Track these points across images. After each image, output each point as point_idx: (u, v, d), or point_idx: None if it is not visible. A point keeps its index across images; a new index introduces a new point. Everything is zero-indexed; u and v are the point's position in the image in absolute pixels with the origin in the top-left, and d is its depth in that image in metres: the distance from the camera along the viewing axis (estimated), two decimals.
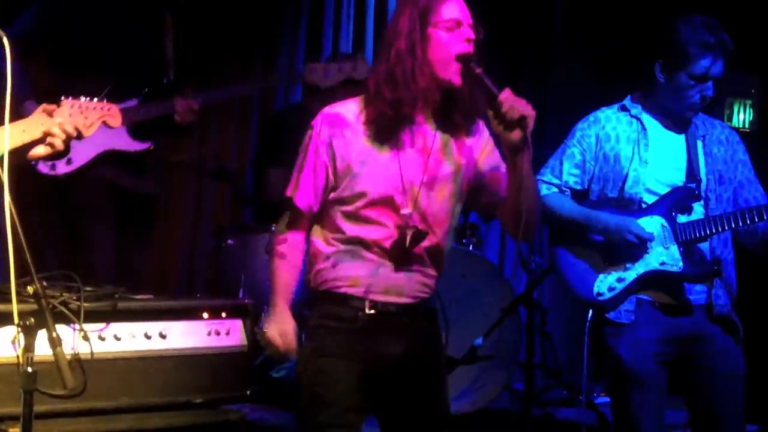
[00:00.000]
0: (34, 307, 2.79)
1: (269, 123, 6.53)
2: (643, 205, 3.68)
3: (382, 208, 3.03)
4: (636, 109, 3.77)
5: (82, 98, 3.07)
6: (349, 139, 3.05)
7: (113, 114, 3.18)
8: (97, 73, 4.41)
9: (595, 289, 3.68)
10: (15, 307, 2.69)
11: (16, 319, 2.72)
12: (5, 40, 2.75)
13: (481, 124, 3.16)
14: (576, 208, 3.76)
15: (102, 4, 4.67)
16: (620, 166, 3.71)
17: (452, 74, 2.99)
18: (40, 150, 3.01)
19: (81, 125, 3.06)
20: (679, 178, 3.70)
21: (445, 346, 5.63)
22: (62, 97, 3.08)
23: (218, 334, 3.82)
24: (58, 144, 2.96)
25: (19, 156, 2.98)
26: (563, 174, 3.79)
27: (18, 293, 2.67)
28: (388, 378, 3.08)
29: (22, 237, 2.68)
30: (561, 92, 6.74)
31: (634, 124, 3.76)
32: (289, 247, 3.14)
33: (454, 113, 3.08)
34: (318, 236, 3.12)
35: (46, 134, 2.99)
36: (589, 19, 6.68)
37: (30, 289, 2.77)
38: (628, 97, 3.83)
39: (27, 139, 2.97)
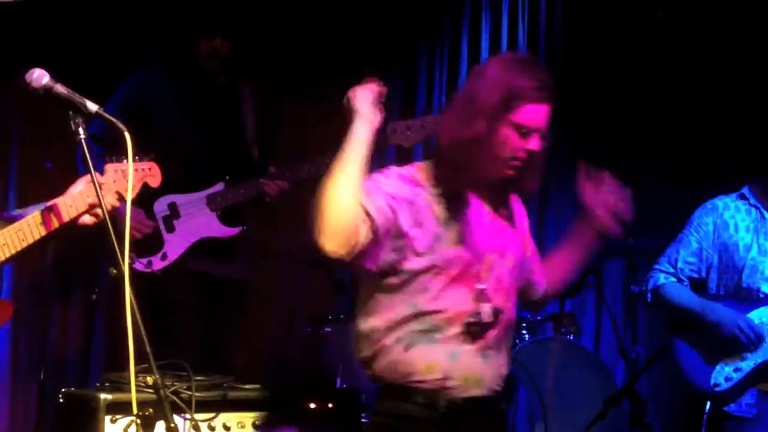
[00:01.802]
0: (153, 397, 2.81)
1: None
2: (761, 295, 3.62)
3: (458, 282, 2.71)
4: (754, 200, 3.75)
5: (125, 161, 2.90)
6: (424, 205, 2.73)
7: (154, 173, 3.21)
8: (182, 158, 4.39)
9: (712, 380, 3.61)
10: (134, 397, 2.70)
11: (135, 410, 2.73)
12: (127, 135, 2.78)
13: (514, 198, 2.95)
14: (692, 298, 3.72)
15: (177, 87, 4.64)
16: (739, 255, 3.68)
17: (504, 172, 2.74)
18: (86, 219, 3.02)
19: (123, 190, 3.05)
20: None
21: None
22: (105, 160, 3.09)
23: (324, 423, 3.79)
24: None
25: (70, 230, 3.00)
26: (679, 262, 3.78)
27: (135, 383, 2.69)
28: None
29: (141, 327, 2.70)
30: None
31: (753, 212, 3.73)
32: None
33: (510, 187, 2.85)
34: (377, 314, 2.75)
35: (92, 206, 3.00)
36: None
37: (149, 380, 2.78)
38: (746, 186, 3.80)
39: (74, 213, 3.00)
